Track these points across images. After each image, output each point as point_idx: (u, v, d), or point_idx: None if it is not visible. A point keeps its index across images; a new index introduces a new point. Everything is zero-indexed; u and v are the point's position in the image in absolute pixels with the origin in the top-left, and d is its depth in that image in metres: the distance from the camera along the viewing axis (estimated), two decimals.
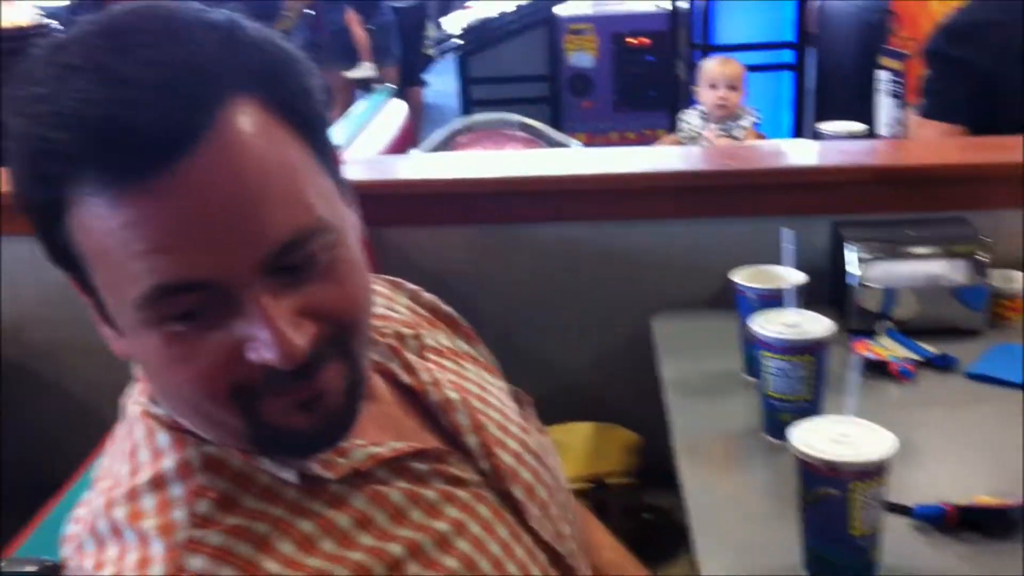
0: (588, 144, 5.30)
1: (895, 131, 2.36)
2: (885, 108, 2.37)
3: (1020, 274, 1.72)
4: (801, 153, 2.35)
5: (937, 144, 2.15)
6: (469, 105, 5.39)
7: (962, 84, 2.23)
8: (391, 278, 1.07)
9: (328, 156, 0.77)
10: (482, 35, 5.47)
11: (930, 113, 2.26)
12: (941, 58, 2.29)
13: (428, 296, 1.07)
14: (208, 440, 0.78)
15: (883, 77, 2.39)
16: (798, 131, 4.86)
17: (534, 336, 1.99)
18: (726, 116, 3.66)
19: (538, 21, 5.47)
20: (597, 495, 1.81)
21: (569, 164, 2.10)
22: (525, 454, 0.94)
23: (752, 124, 3.68)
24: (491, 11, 5.59)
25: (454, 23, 5.70)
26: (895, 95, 2.29)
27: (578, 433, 1.90)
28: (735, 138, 3.63)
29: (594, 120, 5.66)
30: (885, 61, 2.40)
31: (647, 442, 1.87)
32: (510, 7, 5.51)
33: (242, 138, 0.69)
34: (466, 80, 5.52)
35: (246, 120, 0.69)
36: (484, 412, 0.93)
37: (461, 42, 5.48)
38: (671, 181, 1.94)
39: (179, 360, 0.71)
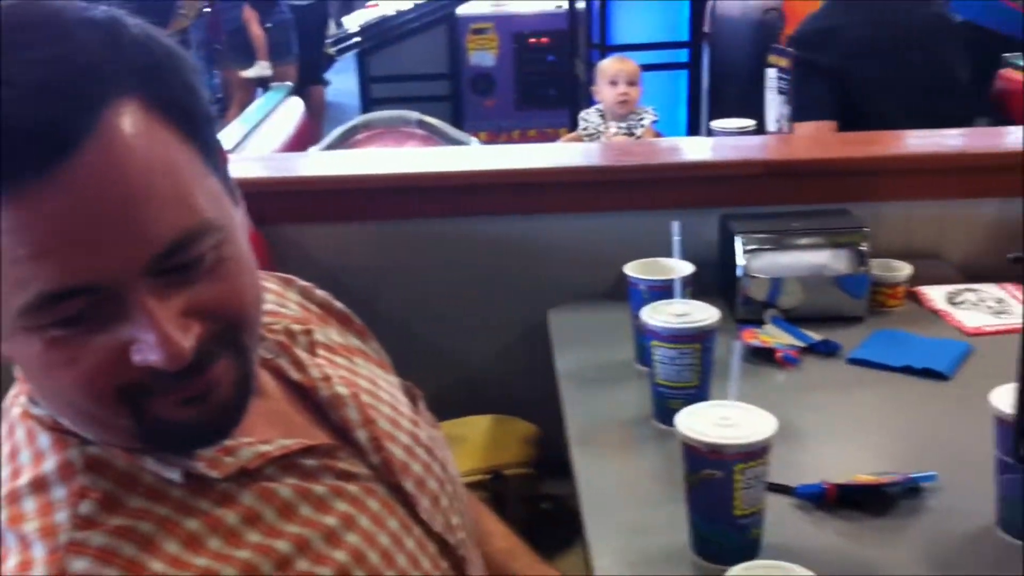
0: (491, 142, 5.33)
1: (783, 127, 2.45)
2: (773, 105, 2.46)
3: (899, 263, 1.79)
4: (692, 149, 2.41)
5: (821, 139, 2.23)
6: (370, 103, 5.37)
7: (819, 86, 2.37)
8: (283, 275, 1.07)
9: (214, 155, 0.77)
10: (382, 33, 5.46)
11: (798, 115, 2.39)
12: (798, 63, 2.43)
13: (320, 293, 1.08)
14: (91, 441, 0.78)
15: (771, 74, 2.48)
16: (693, 128, 4.95)
17: (433, 331, 2.00)
18: (627, 112, 3.73)
19: (438, 20, 5.48)
20: (496, 486, 1.83)
21: (466, 160, 2.11)
22: (416, 447, 0.95)
23: (651, 123, 3.75)
24: (391, 10, 5.58)
25: (354, 21, 5.67)
26: (782, 92, 2.39)
27: (477, 426, 1.91)
28: (635, 136, 3.69)
29: (496, 118, 5.69)
30: (773, 59, 2.49)
31: (545, 433, 1.89)
32: (410, 6, 5.50)
33: (126, 139, 0.68)
34: (366, 78, 5.50)
35: (129, 121, 0.68)
36: (374, 407, 0.94)
37: (360, 40, 5.45)
38: (567, 176, 1.98)
39: (63, 364, 0.71)
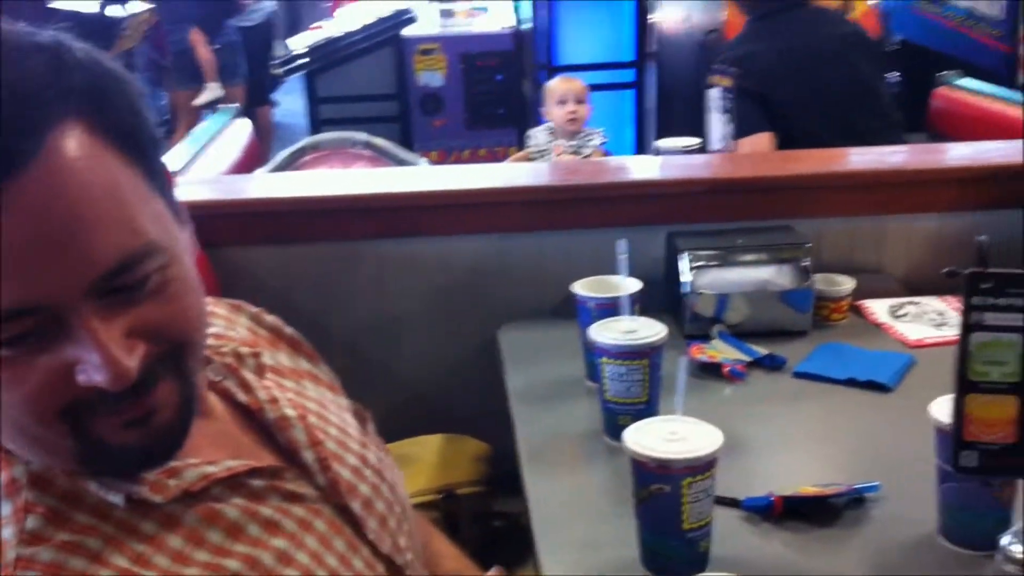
0: (441, 161, 5.34)
1: (727, 145, 2.50)
2: (717, 123, 2.51)
3: (843, 277, 1.82)
4: (638, 167, 2.44)
5: (764, 157, 2.28)
6: (318, 125, 5.36)
7: (750, 105, 2.45)
8: (232, 301, 1.07)
9: (160, 177, 0.77)
10: (329, 54, 5.45)
11: (737, 134, 2.47)
12: (729, 85, 2.51)
13: (270, 318, 1.08)
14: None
15: (714, 94, 2.53)
16: (641, 147, 5.01)
17: (383, 351, 2.00)
18: (576, 131, 3.76)
19: (385, 41, 5.49)
20: (448, 505, 1.82)
21: (413, 181, 2.12)
22: (364, 468, 0.96)
23: (600, 144, 3.79)
24: (338, 31, 5.58)
25: (301, 42, 5.66)
26: (726, 111, 2.44)
27: (428, 445, 1.91)
28: (583, 155, 3.72)
29: (447, 138, 5.70)
30: (715, 79, 2.55)
31: (496, 451, 1.89)
32: (357, 27, 5.50)
33: (70, 163, 0.69)
34: (314, 99, 5.49)
35: (74, 144, 0.69)
36: (322, 428, 0.95)
37: (308, 61, 5.44)
38: (515, 196, 1.99)
39: (7, 384, 0.71)
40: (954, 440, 0.98)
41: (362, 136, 2.78)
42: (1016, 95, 2.96)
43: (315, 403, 0.98)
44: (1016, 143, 2.10)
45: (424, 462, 1.88)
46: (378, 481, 0.96)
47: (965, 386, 0.96)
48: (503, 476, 1.74)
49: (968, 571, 1.13)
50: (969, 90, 3.08)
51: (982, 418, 0.96)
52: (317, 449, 0.91)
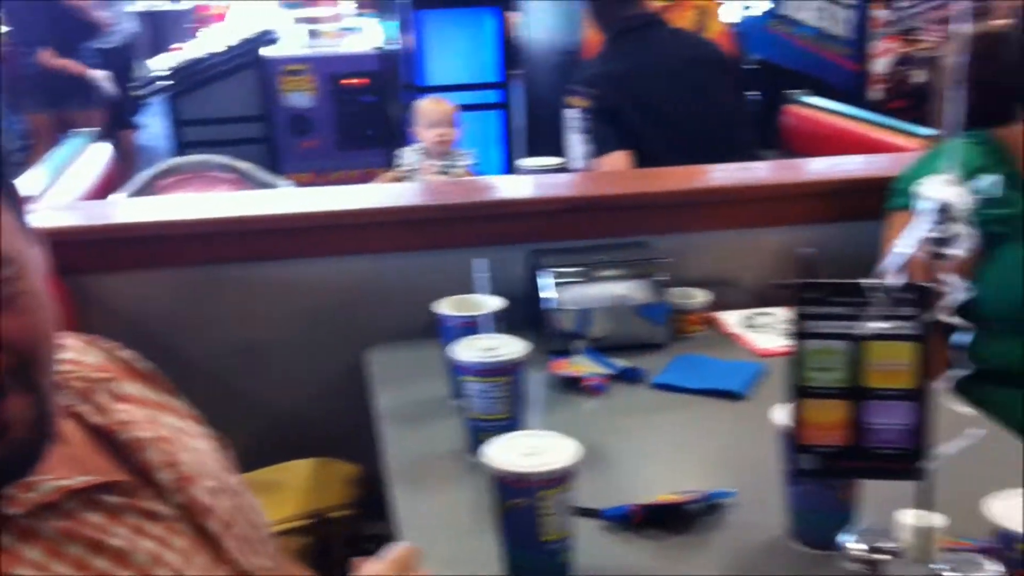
0: (313, 183, 5.30)
1: (587, 165, 2.56)
2: (576, 143, 2.57)
3: (698, 290, 1.88)
4: (500, 187, 2.47)
5: (622, 175, 2.34)
6: (183, 147, 5.27)
7: (608, 124, 2.52)
8: (87, 336, 1.07)
9: (9, 192, 0.79)
10: (191, 76, 5.36)
11: (596, 153, 2.53)
12: (587, 104, 2.58)
13: (126, 353, 1.09)
14: None
15: (572, 114, 2.59)
16: (510, 167, 5.06)
17: (248, 377, 1.98)
18: (446, 152, 3.79)
19: (249, 62, 5.43)
20: (319, 530, 1.82)
21: (277, 203, 2.10)
22: (221, 491, 0.97)
23: (469, 164, 3.82)
24: (200, 52, 5.49)
25: (162, 64, 5.54)
26: (584, 131, 2.50)
27: (297, 471, 1.90)
28: (450, 176, 3.75)
29: (317, 159, 5.66)
30: (572, 100, 2.61)
31: (367, 473, 1.89)
32: (220, 48, 5.42)
33: None
34: (177, 122, 5.38)
35: None
36: (178, 451, 0.96)
37: (170, 83, 5.33)
38: (380, 217, 1.99)
39: None
40: (793, 444, 1.03)
41: (223, 159, 2.75)
42: (859, 112, 3.11)
43: (170, 429, 0.99)
44: (858, 158, 2.21)
45: (293, 488, 1.86)
46: (236, 504, 0.98)
47: (799, 392, 1.01)
48: (375, 498, 1.74)
49: (816, 570, 1.18)
50: (815, 107, 3.22)
51: (816, 422, 1.01)
52: (172, 470, 0.93)
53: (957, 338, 1.01)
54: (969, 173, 1.67)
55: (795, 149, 3.10)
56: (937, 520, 1.03)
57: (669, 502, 1.30)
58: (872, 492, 1.16)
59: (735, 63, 3.01)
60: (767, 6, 5.30)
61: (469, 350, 1.43)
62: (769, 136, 3.23)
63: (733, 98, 2.88)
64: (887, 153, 2.49)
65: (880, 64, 4.83)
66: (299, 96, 5.55)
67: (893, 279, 0.96)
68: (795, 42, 5.18)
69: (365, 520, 1.87)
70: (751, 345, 1.79)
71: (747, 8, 5.21)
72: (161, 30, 7.87)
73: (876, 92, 4.80)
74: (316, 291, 1.96)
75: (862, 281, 0.97)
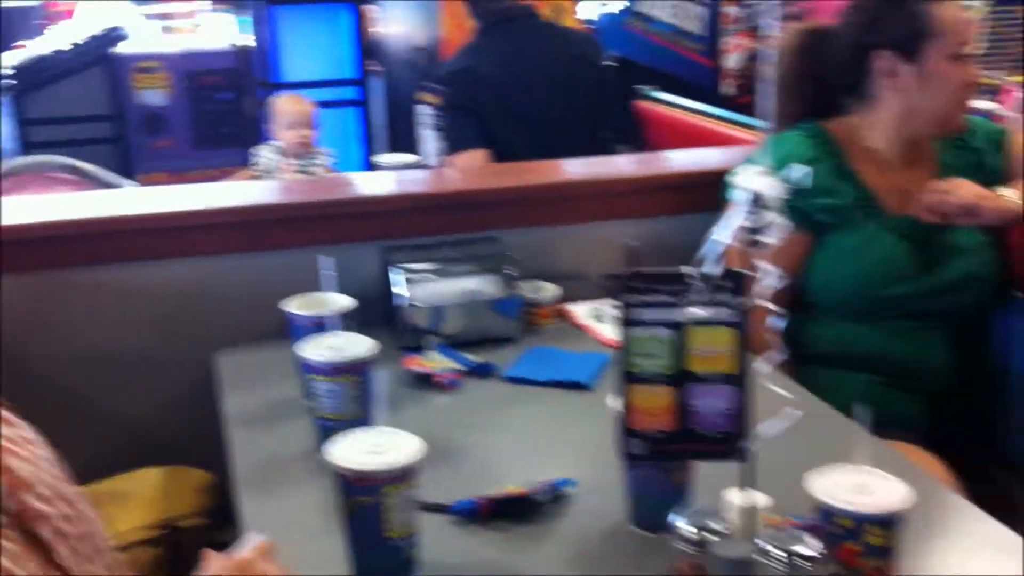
0: (170, 183, 5.16)
1: (441, 161, 2.57)
2: (429, 140, 2.57)
3: (547, 284, 1.92)
4: (352, 185, 2.46)
5: (473, 172, 2.36)
6: (27, 148, 5.06)
7: (466, 121, 2.53)
8: None
9: None
10: (36, 74, 5.15)
11: (451, 149, 2.54)
12: (445, 100, 2.59)
13: None
14: None
15: (424, 111, 2.60)
16: (372, 164, 5.04)
17: (93, 385, 1.92)
18: (305, 152, 3.75)
19: (97, 59, 5.25)
20: (171, 539, 1.77)
21: (117, 205, 2.05)
22: (55, 499, 0.96)
23: (328, 163, 3.79)
24: (46, 49, 5.28)
25: (5, 62, 5.31)
26: (436, 128, 2.51)
27: (146, 479, 1.85)
28: (310, 175, 3.71)
29: (173, 159, 5.52)
30: (424, 97, 2.62)
31: (219, 480, 1.86)
32: (66, 45, 5.23)
33: None
34: (22, 122, 5.17)
35: None
36: (8, 459, 0.94)
37: (13, 82, 5.12)
38: (227, 217, 1.96)
39: None
40: (623, 430, 1.07)
41: (64, 159, 2.65)
42: (708, 107, 3.20)
43: (4, 439, 0.97)
44: (702, 152, 2.29)
45: (142, 497, 1.81)
46: (73, 512, 0.98)
47: (627, 379, 1.05)
48: (227, 505, 1.72)
49: (652, 553, 1.22)
50: (665, 103, 3.30)
51: (644, 408, 1.05)
52: (4, 476, 0.92)
53: (772, 322, 1.06)
54: (800, 164, 1.76)
55: (650, 145, 3.17)
56: (761, 499, 1.07)
57: (515, 494, 1.32)
58: (705, 474, 1.21)
59: (603, 60, 3.03)
60: (624, 4, 5.40)
61: (317, 349, 1.42)
62: (628, 132, 3.29)
63: (599, 95, 2.90)
64: (732, 146, 2.58)
65: (732, 60, 4.98)
66: (152, 94, 5.41)
67: (712, 267, 1.00)
68: (651, 39, 5.28)
69: (218, 528, 1.84)
70: (600, 336, 1.83)
71: (604, 5, 5.29)
72: (8, 27, 7.54)
73: (729, 87, 4.94)
74: (164, 294, 1.92)
75: (683, 270, 1.01)
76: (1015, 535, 1.23)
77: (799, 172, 1.16)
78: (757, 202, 0.98)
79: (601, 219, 2.09)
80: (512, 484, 1.35)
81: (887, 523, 1.04)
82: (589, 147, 2.60)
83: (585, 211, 2.08)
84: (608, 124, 2.88)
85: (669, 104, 3.30)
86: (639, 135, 3.28)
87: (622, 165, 2.43)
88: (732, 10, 4.97)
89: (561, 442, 1.54)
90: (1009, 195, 1.75)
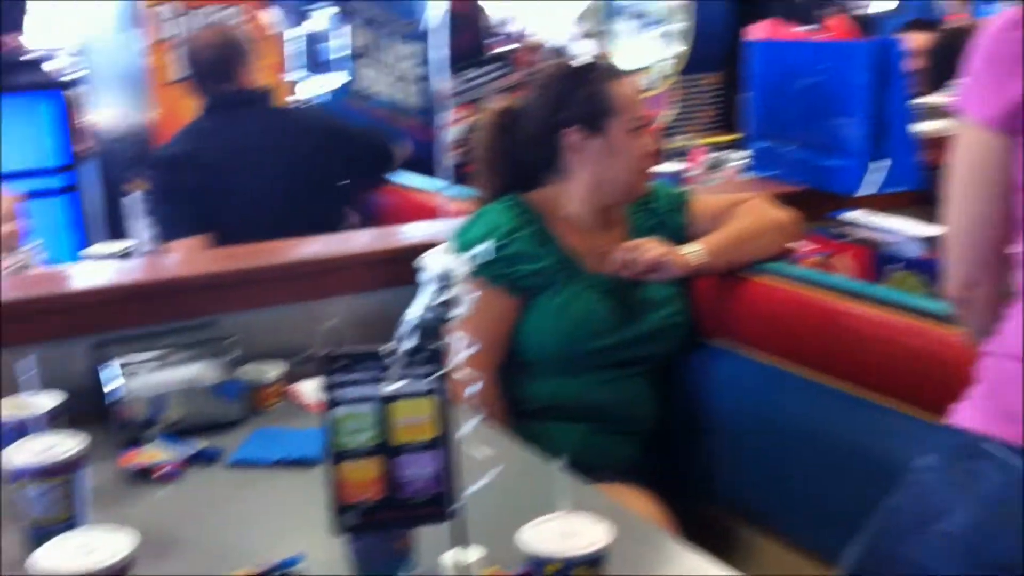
0: None
1: (156, 248, 2.53)
2: (144, 226, 2.53)
3: (271, 364, 1.92)
4: (61, 279, 2.36)
5: (189, 257, 2.34)
6: None
7: (185, 205, 2.52)
8: None
9: None
10: None
11: (170, 235, 2.52)
12: (159, 186, 2.57)
13: None
14: None
15: (137, 197, 2.56)
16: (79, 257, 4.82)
17: None
18: (15, 248, 3.55)
19: None
20: None
21: None
22: None
23: (38, 258, 3.60)
24: None
25: None
26: (149, 214, 2.47)
27: None
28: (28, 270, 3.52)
29: None
30: (134, 182, 2.58)
31: None
32: None
33: None
34: None
35: None
36: None
37: None
38: None
39: None
40: (333, 505, 1.10)
41: None
42: (426, 180, 3.31)
43: None
44: (420, 225, 2.38)
45: None
46: None
47: (336, 456, 1.08)
48: None
49: None
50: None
51: (354, 481, 1.09)
52: None
53: (470, 387, 1.13)
54: (503, 233, 1.88)
55: (384, 220, 3.24)
56: (473, 554, 1.13)
57: None
58: (428, 537, 1.26)
59: (346, 138, 3.05)
60: (341, 82, 5.47)
61: (22, 453, 1.37)
62: (361, 210, 3.31)
63: (328, 168, 2.92)
64: (451, 217, 2.68)
65: (452, 132, 5.15)
66: None
67: (407, 342, 1.06)
68: (373, 113, 5.39)
69: None
70: None
71: (322, 86, 5.35)
72: None
73: (452, 158, 5.10)
74: None
75: (380, 347, 1.06)
76: (720, 565, 1.34)
77: (482, 248, 1.25)
78: (444, 279, 1.05)
79: (319, 297, 2.11)
80: (242, 568, 1.34)
81: (593, 562, 1.12)
82: (320, 225, 2.62)
83: (303, 289, 2.10)
84: (345, 204, 2.93)
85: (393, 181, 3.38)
86: (368, 210, 3.34)
87: (334, 243, 2.47)
88: (447, 85, 5.16)
89: (291, 520, 1.54)
90: (689, 250, 1.94)
